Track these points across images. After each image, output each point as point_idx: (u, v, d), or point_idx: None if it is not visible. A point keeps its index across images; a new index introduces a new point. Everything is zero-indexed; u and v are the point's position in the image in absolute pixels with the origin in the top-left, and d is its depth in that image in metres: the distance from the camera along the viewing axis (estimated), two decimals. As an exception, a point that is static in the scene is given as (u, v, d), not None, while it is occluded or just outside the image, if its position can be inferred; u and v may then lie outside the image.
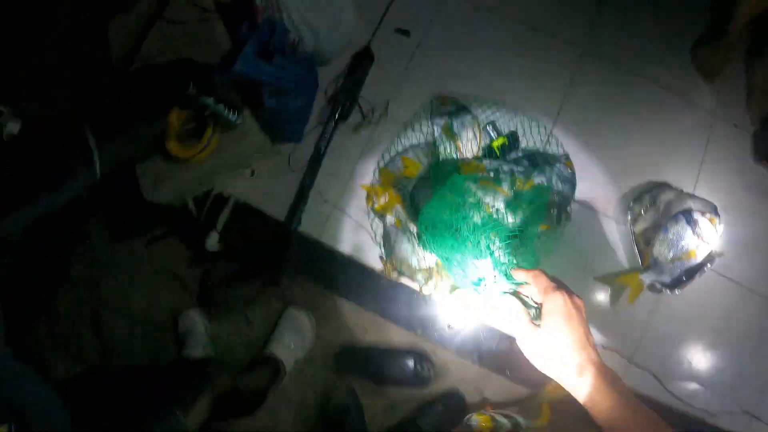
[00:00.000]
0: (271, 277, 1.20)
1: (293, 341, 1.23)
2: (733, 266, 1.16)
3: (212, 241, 1.20)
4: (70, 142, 0.70)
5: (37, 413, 0.63)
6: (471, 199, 1.00)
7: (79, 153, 0.70)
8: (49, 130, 0.73)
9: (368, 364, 1.21)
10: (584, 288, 1.16)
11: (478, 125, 1.14)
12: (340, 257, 1.15)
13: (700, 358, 1.15)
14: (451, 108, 1.14)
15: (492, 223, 1.01)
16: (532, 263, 1.01)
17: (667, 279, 1.11)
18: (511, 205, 1.04)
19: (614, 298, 1.15)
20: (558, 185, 1.09)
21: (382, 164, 1.16)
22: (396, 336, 1.19)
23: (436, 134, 1.12)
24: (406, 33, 1.22)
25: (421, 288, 1.10)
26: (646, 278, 1.11)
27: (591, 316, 0.63)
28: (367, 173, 1.16)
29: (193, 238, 1.24)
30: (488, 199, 1.02)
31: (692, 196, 1.12)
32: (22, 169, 0.68)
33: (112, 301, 1.29)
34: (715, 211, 1.10)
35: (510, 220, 1.05)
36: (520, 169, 1.09)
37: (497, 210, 1.03)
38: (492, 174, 1.09)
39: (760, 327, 1.16)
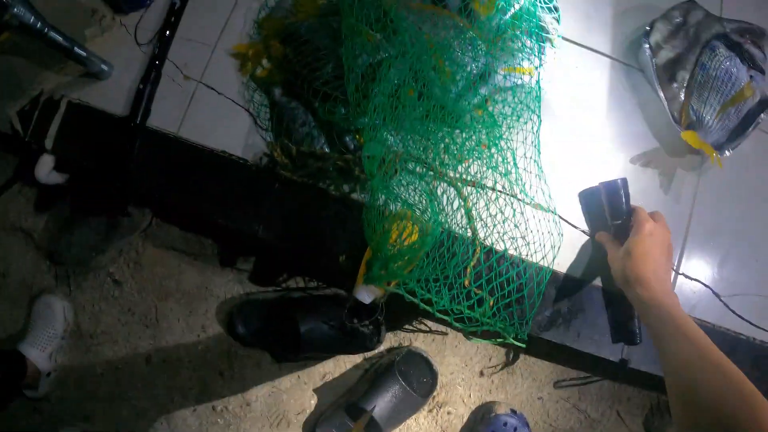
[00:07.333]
0: (115, 207, 0.82)
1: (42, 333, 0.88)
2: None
3: (45, 168, 0.82)
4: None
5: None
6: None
7: None
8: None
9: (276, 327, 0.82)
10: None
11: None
12: (208, 156, 0.76)
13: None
14: None
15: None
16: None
17: (715, 136, 0.71)
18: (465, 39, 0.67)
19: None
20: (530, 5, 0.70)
21: (263, 13, 0.78)
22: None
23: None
24: None
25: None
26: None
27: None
28: (243, 31, 0.79)
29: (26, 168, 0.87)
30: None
31: (720, 19, 0.73)
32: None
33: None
34: (760, 33, 0.71)
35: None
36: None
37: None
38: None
39: None
